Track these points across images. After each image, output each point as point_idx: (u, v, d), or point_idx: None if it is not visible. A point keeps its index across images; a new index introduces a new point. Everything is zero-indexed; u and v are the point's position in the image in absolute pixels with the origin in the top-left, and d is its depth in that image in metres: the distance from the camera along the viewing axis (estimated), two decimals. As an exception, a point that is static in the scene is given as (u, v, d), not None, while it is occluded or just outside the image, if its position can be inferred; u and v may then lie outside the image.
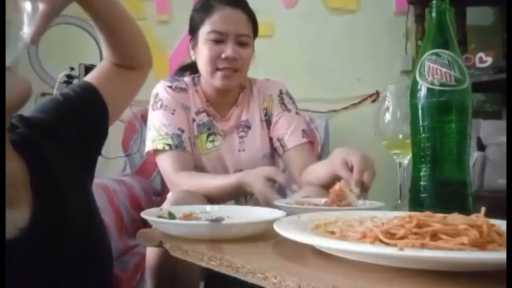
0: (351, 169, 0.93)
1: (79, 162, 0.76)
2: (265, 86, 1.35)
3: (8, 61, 0.57)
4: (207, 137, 1.28)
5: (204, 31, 1.22)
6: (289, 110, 1.31)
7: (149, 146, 1.23)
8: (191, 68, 1.41)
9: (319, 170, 1.11)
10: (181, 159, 1.19)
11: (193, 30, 1.27)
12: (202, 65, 1.25)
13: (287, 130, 1.28)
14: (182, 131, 1.23)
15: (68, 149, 0.74)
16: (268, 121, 1.33)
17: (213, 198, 1.09)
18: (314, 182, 1.13)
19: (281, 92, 1.34)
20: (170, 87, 1.28)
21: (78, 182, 0.75)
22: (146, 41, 0.91)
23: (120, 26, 0.83)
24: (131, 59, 0.88)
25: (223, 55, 1.19)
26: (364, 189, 0.88)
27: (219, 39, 1.20)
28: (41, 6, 0.66)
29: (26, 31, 0.63)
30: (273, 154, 1.35)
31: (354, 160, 0.92)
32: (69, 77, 1.99)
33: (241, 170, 1.26)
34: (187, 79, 1.34)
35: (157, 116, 1.24)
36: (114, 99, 0.84)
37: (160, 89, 1.28)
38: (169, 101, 1.25)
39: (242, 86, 1.34)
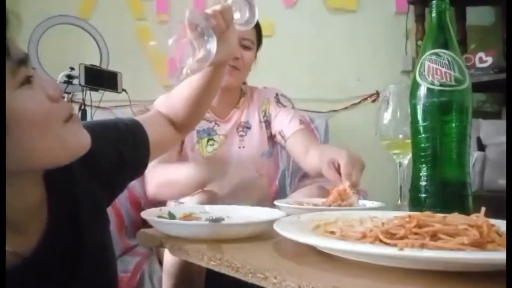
0: (338, 168, 0.96)
1: (106, 188, 0.76)
2: (263, 92, 1.47)
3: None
4: (207, 141, 1.36)
5: None
6: (285, 106, 1.42)
7: None
8: None
9: (311, 162, 1.19)
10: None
11: None
12: None
13: (285, 122, 1.36)
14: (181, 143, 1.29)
15: (101, 174, 0.74)
16: (266, 122, 1.42)
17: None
18: (310, 173, 1.23)
19: (277, 95, 1.45)
20: None
21: (99, 208, 0.74)
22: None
23: (213, 95, 0.92)
24: (188, 124, 0.94)
25: None
26: (353, 187, 0.91)
27: None
28: (202, 53, 0.72)
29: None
30: (272, 152, 1.44)
31: (341, 162, 0.95)
32: (69, 77, 1.99)
33: (243, 166, 1.34)
34: None
35: None
36: (153, 147, 0.86)
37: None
38: None
39: (243, 92, 1.44)
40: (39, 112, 0.55)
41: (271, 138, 1.42)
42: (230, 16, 0.75)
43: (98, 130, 0.76)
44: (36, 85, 0.57)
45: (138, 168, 0.84)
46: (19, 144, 0.54)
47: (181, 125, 0.92)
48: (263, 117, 1.42)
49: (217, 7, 0.73)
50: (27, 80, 0.56)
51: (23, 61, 0.56)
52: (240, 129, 1.40)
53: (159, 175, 1.16)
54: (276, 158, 1.46)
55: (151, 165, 1.14)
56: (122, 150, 0.78)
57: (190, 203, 1.05)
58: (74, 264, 0.67)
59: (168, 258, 0.97)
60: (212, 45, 0.71)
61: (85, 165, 0.70)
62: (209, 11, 0.73)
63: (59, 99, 0.59)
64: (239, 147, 1.37)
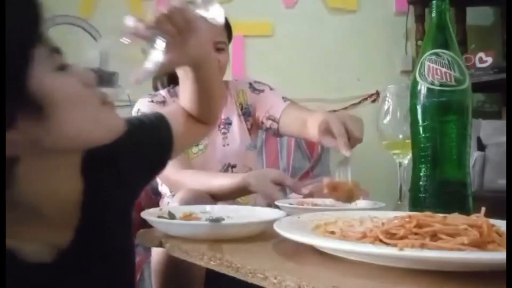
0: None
1: (129, 188, 0.77)
2: (235, 85, 1.45)
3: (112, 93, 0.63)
4: None
5: None
6: (262, 91, 1.40)
7: None
8: (167, 73, 1.45)
9: (312, 131, 1.14)
10: (180, 158, 1.20)
11: None
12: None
13: (269, 105, 1.35)
14: None
15: (124, 173, 0.75)
16: (245, 114, 1.41)
17: (217, 197, 1.11)
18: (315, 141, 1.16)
19: (250, 84, 1.43)
20: (152, 101, 1.33)
21: (125, 212, 0.76)
22: (221, 104, 0.97)
23: (214, 91, 0.90)
24: (208, 117, 0.93)
25: None
26: (353, 143, 0.92)
27: None
28: (160, 57, 0.68)
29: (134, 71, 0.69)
30: (256, 144, 1.43)
31: (331, 125, 0.94)
32: (69, 77, 1.99)
33: (229, 164, 1.33)
34: (163, 92, 1.40)
35: None
36: (180, 140, 0.86)
37: (141, 105, 1.32)
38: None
39: None
40: (75, 93, 0.58)
41: (252, 129, 1.41)
42: (186, 17, 0.69)
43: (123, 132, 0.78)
44: (71, 72, 0.59)
45: (160, 165, 0.85)
46: (57, 123, 0.57)
47: (201, 119, 0.91)
48: (241, 110, 1.41)
49: (165, 10, 0.67)
50: (62, 67, 0.59)
51: (57, 50, 0.59)
52: (222, 126, 1.38)
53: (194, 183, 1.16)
54: (260, 148, 1.45)
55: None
56: (145, 150, 0.79)
57: (172, 203, 1.06)
58: (103, 262, 0.69)
59: (156, 257, 0.98)
60: (159, 51, 0.67)
61: (111, 166, 0.72)
62: (156, 14, 0.67)
63: (92, 85, 0.61)
64: (223, 145, 1.36)
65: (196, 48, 0.76)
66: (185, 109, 0.90)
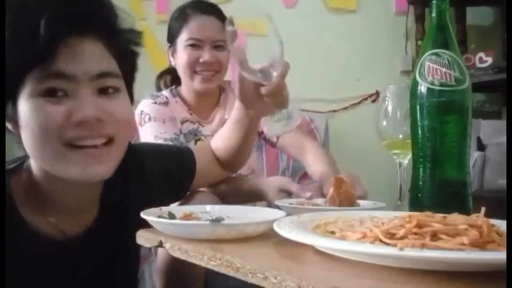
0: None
1: (156, 204, 0.81)
2: None
3: None
4: (195, 142, 1.33)
5: (183, 38, 1.32)
6: None
7: None
8: (170, 73, 1.48)
9: (314, 170, 1.22)
10: None
11: (172, 38, 1.37)
12: (182, 70, 1.34)
13: None
14: (178, 135, 1.28)
15: (150, 193, 0.82)
16: None
17: (227, 201, 1.12)
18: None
19: None
20: (154, 102, 1.33)
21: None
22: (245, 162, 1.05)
23: (251, 145, 0.99)
24: (232, 166, 1.00)
25: (200, 60, 1.30)
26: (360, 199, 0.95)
27: (197, 45, 1.31)
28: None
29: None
30: (258, 145, 1.47)
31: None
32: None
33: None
34: (165, 92, 1.40)
35: (149, 129, 1.27)
36: (199, 176, 0.93)
37: (144, 106, 1.33)
38: (157, 113, 1.30)
39: (222, 88, 1.43)
40: (39, 125, 0.61)
41: (262, 132, 1.40)
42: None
43: (152, 151, 0.86)
44: (67, 102, 0.61)
45: (181, 191, 0.92)
46: (24, 142, 0.64)
47: (225, 165, 0.98)
48: None
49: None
50: (50, 93, 0.61)
51: (57, 74, 0.60)
52: None
53: None
54: (261, 150, 1.48)
55: None
56: (171, 175, 0.86)
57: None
58: (116, 255, 0.77)
59: (161, 256, 0.98)
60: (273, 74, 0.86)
61: (138, 183, 0.80)
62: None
63: (83, 124, 0.62)
64: None
65: (268, 109, 0.89)
66: (213, 151, 0.97)
